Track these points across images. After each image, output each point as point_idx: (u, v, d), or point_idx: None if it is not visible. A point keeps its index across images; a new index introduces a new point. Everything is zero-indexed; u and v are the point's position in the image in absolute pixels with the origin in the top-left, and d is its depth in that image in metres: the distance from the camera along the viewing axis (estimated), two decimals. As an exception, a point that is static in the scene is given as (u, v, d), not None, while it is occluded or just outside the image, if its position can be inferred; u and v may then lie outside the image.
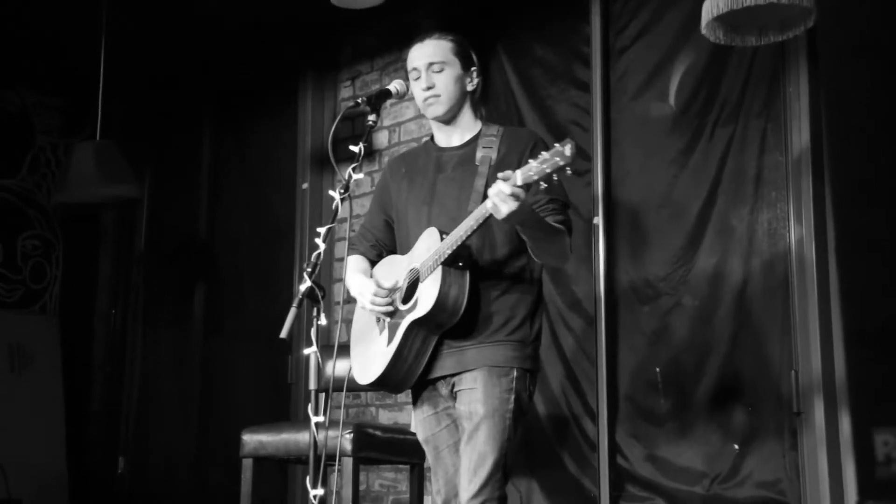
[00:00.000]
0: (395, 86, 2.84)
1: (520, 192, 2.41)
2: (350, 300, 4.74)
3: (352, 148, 2.64)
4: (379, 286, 2.74)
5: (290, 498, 4.84)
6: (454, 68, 2.81)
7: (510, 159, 2.72)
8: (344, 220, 3.05)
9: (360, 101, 2.75)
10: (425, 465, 3.61)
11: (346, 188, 2.60)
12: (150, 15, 5.16)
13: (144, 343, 6.06)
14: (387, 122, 4.81)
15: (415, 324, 2.65)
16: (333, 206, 2.59)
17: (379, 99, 2.77)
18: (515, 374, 2.66)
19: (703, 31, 2.99)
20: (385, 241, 2.95)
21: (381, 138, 4.84)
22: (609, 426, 3.92)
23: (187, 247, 5.94)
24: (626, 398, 3.95)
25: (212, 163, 5.92)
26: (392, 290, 2.75)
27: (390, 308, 2.74)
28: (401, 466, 4.27)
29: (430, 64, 2.80)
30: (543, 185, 2.40)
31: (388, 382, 2.76)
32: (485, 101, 4.52)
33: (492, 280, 2.69)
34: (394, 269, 2.81)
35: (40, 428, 5.54)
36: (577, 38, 4.31)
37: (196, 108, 5.97)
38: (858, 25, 3.50)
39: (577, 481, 4.03)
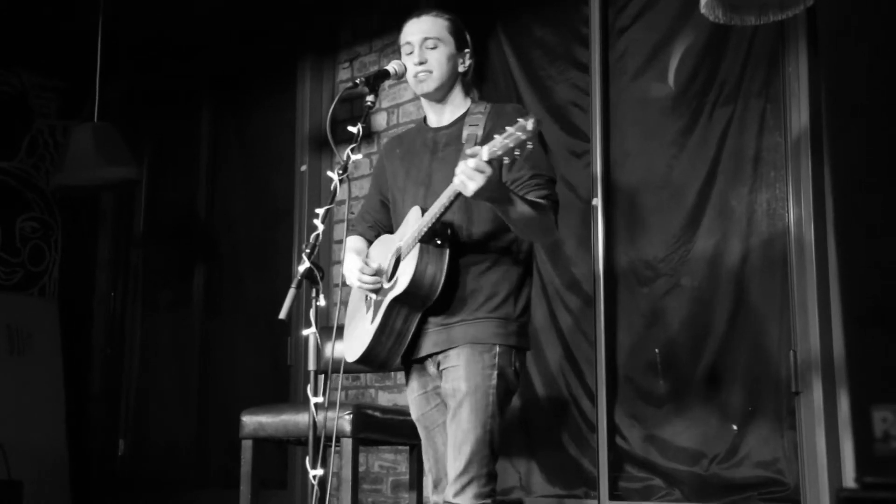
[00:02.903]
0: (393, 66, 2.82)
1: (485, 167, 2.40)
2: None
3: (350, 129, 2.64)
4: (366, 264, 2.75)
5: (290, 478, 4.86)
6: (448, 46, 2.80)
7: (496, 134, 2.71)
8: (342, 201, 3.04)
9: (358, 81, 2.74)
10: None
11: (345, 169, 2.59)
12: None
13: (144, 325, 6.06)
14: (385, 104, 4.80)
15: (395, 301, 2.65)
16: (332, 188, 2.58)
17: (377, 80, 2.76)
18: (498, 349, 2.64)
19: (703, 11, 2.98)
20: (382, 222, 2.96)
21: (380, 120, 4.83)
22: (608, 407, 3.93)
23: (186, 228, 5.94)
24: (625, 379, 3.96)
25: (210, 144, 5.91)
26: (379, 268, 2.76)
27: (377, 286, 2.74)
28: (400, 448, 4.28)
29: (425, 39, 2.78)
30: (507, 160, 2.40)
31: (371, 360, 2.76)
32: (481, 82, 4.53)
33: (476, 256, 2.69)
34: (386, 248, 2.82)
35: (41, 410, 5.55)
36: (577, 18, 4.29)
37: (195, 89, 5.95)
38: (858, 4, 3.48)
39: (576, 462, 4.04)
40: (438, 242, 2.62)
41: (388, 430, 3.58)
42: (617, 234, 4.05)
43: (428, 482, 4.26)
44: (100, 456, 5.90)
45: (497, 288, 2.68)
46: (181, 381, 5.76)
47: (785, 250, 3.57)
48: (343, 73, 5.08)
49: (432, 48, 2.78)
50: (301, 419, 3.45)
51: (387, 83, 2.89)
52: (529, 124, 2.35)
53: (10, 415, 5.31)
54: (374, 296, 2.77)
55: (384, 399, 4.60)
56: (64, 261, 6.02)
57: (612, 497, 3.86)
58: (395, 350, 2.72)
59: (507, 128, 2.39)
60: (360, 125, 2.63)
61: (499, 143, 2.39)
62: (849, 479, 3.35)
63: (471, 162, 2.41)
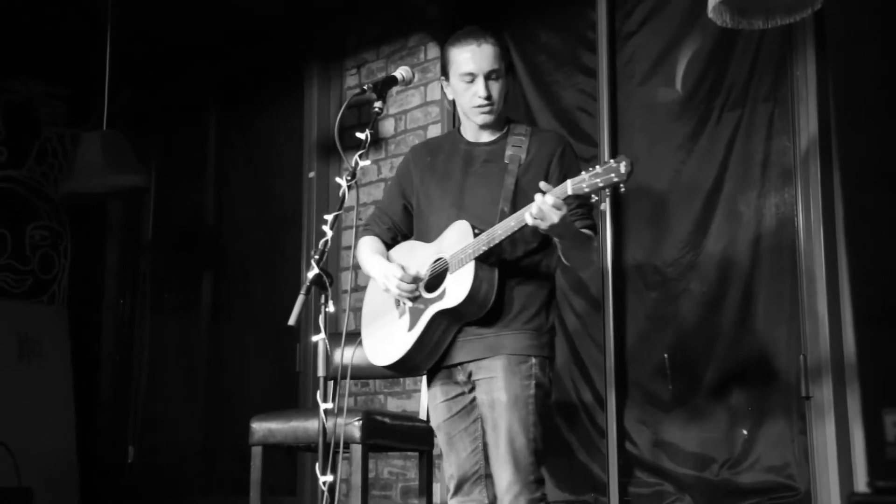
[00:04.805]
0: (400, 73, 2.83)
1: (562, 204, 2.47)
2: (358, 287, 4.76)
3: (358, 135, 2.64)
4: (405, 271, 2.75)
5: (300, 485, 4.86)
6: (504, 76, 2.81)
7: (539, 160, 2.77)
8: (351, 207, 3.04)
9: (366, 87, 2.75)
10: (434, 452, 3.62)
11: (353, 176, 2.60)
12: (156, 3, 5.16)
13: (152, 332, 6.07)
14: (393, 110, 4.81)
15: (441, 313, 2.68)
16: (340, 194, 2.59)
17: (385, 86, 2.77)
18: (534, 360, 2.70)
19: (710, 15, 2.97)
20: (401, 226, 2.97)
21: (388, 126, 4.84)
22: (617, 412, 3.92)
23: (194, 235, 5.95)
24: (635, 384, 3.95)
25: (218, 151, 5.92)
26: (417, 276, 2.77)
27: (416, 294, 2.75)
28: (410, 453, 4.28)
29: (490, 72, 2.77)
30: (595, 198, 2.46)
31: (404, 366, 2.81)
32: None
33: (511, 271, 2.72)
34: (415, 256, 2.82)
35: (50, 417, 5.56)
36: (583, 23, 4.29)
37: (202, 96, 5.97)
38: (866, 7, 3.47)
39: (585, 467, 4.04)
40: (491, 261, 2.66)
41: (397, 435, 3.57)
42: (625, 238, 4.05)
43: (439, 488, 4.25)
44: (109, 462, 5.91)
45: (530, 300, 2.74)
46: (190, 387, 5.77)
47: (794, 254, 3.57)
48: (350, 80, 5.09)
49: (495, 79, 2.79)
50: (311, 426, 3.45)
51: (394, 89, 2.88)
52: (623, 167, 2.40)
53: (20, 422, 5.32)
54: (409, 303, 2.77)
55: (393, 405, 4.59)
56: (73, 268, 6.04)
57: (622, 502, 3.85)
58: (430, 359, 2.77)
59: (596, 167, 2.44)
60: (367, 131, 2.64)
61: (586, 180, 2.45)
62: (860, 483, 3.34)
63: (549, 199, 2.46)
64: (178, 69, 5.87)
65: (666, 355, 3.88)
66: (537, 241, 2.73)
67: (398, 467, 4.53)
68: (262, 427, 3.60)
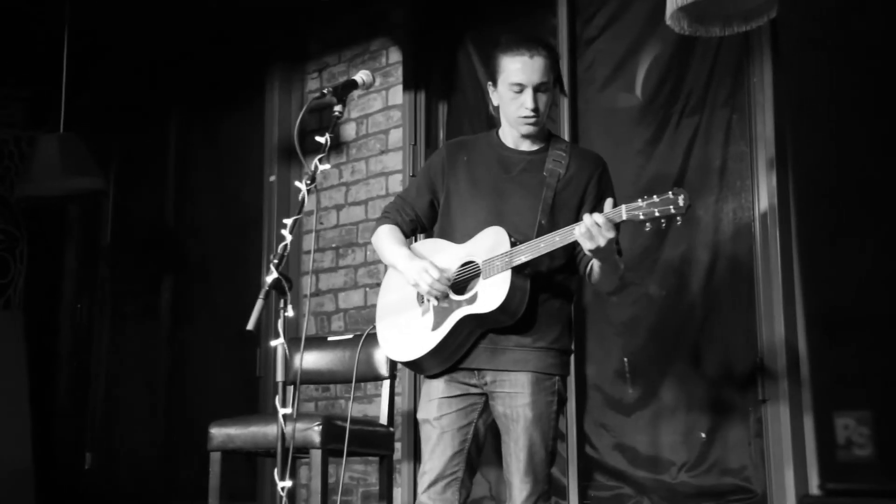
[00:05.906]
0: (360, 76, 2.82)
1: (612, 229, 2.50)
2: (319, 292, 4.74)
3: (318, 139, 2.63)
4: (438, 270, 2.73)
5: (260, 491, 4.83)
6: (551, 88, 2.80)
7: (578, 179, 2.79)
8: (311, 211, 3.05)
9: (325, 91, 2.73)
10: (395, 457, 3.61)
11: (313, 179, 2.60)
12: (117, 5, 5.12)
13: (111, 337, 6.01)
14: (354, 114, 4.80)
15: (469, 318, 2.68)
16: (300, 198, 2.58)
17: (345, 90, 2.75)
18: (557, 378, 2.75)
19: (668, 22, 2.99)
20: (424, 221, 2.95)
21: (349, 130, 4.83)
22: (577, 416, 3.94)
23: (154, 239, 5.91)
24: (594, 388, 3.97)
25: (179, 155, 5.89)
26: (451, 279, 2.76)
27: (445, 294, 2.74)
28: (370, 458, 4.27)
29: (540, 84, 2.75)
30: (649, 226, 2.48)
31: (423, 365, 2.80)
32: (451, 93, 4.54)
33: (540, 285, 2.73)
34: (441, 255, 2.80)
35: (6, 423, 5.48)
36: (544, 29, 4.31)
37: (163, 99, 5.93)
38: (820, 16, 3.53)
39: (545, 471, 4.05)
40: (526, 272, 2.67)
41: (358, 441, 3.56)
42: (585, 243, 4.06)
43: (399, 493, 4.25)
44: (66, 469, 5.84)
45: (556, 319, 2.77)
46: (149, 392, 5.72)
47: (751, 259, 3.61)
48: (312, 84, 5.08)
49: (544, 92, 2.77)
50: (270, 431, 3.43)
51: (355, 93, 2.87)
52: (682, 199, 2.44)
53: (-25, 428, 5.26)
54: (434, 301, 2.76)
55: (354, 410, 4.57)
56: (29, 272, 5.96)
57: (581, 506, 3.87)
58: (449, 360, 2.76)
59: (653, 196, 2.47)
60: (328, 135, 2.63)
61: (643, 208, 2.47)
62: (813, 485, 3.38)
63: (600, 219, 2.49)
64: (138, 71, 5.83)
65: (626, 359, 3.90)
66: (565, 258, 2.74)
67: (359, 472, 4.52)
68: (221, 432, 3.57)
